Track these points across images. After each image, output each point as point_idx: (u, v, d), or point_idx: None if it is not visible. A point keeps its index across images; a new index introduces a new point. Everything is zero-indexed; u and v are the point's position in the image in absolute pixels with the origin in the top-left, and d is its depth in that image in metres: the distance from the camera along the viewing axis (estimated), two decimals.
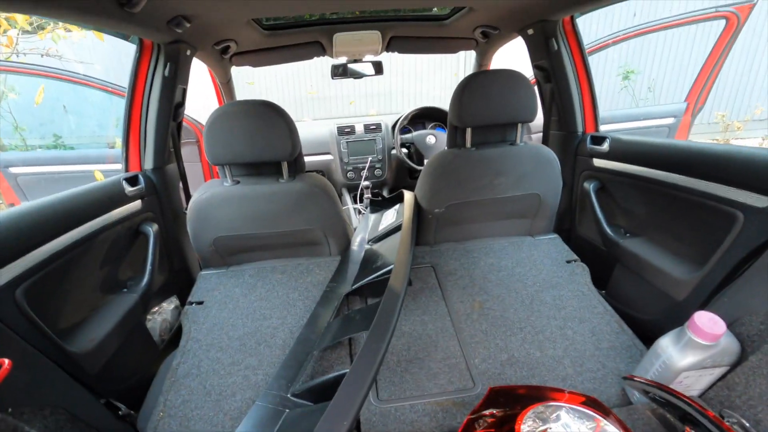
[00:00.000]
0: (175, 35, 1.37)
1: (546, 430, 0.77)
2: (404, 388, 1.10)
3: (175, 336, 1.59)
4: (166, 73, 1.46)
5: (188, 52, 1.54)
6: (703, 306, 1.10)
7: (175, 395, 1.10)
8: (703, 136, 6.67)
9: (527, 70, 1.82)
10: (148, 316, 1.50)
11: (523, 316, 1.32)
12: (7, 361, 0.68)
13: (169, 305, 1.65)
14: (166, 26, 1.25)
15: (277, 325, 1.31)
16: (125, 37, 1.43)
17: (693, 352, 0.87)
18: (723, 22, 2.38)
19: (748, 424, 0.83)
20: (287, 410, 0.98)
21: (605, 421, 0.77)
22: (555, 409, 0.80)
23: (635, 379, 0.94)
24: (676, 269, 1.24)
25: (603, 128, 1.78)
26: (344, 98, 5.26)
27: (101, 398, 1.05)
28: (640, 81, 6.29)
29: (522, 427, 0.77)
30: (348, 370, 0.82)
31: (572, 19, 1.62)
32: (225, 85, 2.36)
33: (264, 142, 1.33)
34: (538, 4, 1.45)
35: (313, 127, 2.80)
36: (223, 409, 1.06)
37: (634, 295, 1.44)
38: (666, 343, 0.92)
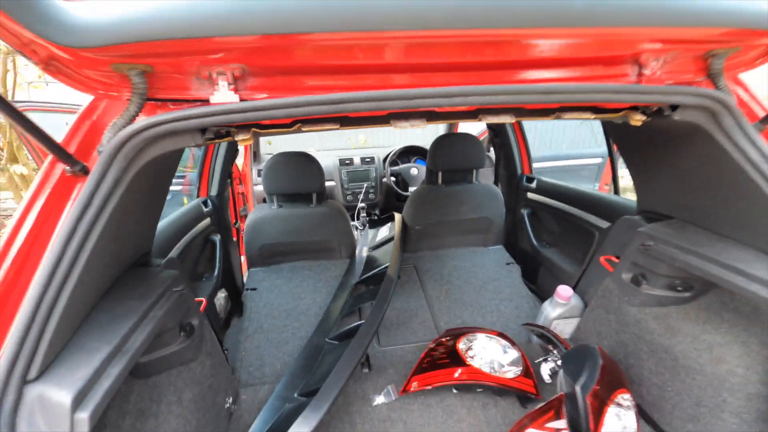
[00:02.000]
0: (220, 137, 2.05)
1: (472, 345, 1.44)
2: (395, 340, 1.75)
3: (227, 316, 2.20)
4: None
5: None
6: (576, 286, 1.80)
7: (250, 343, 1.73)
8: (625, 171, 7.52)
9: None
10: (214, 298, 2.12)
11: (473, 298, 1.99)
12: (204, 299, 1.30)
13: (221, 294, 2.27)
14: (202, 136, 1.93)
15: (310, 303, 1.96)
16: None
17: (557, 308, 1.56)
18: None
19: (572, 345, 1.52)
20: (326, 347, 1.62)
21: (505, 341, 1.45)
22: (477, 335, 1.48)
23: (528, 325, 1.62)
24: (569, 267, 1.94)
25: (549, 164, 2.51)
26: (341, 133, 6.02)
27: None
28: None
29: (459, 344, 1.44)
30: (362, 322, 1.47)
31: None
32: None
33: (302, 180, 2.00)
34: None
35: (319, 158, 3.48)
36: (283, 350, 1.70)
37: (549, 285, 2.13)
38: (545, 304, 1.62)
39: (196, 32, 0.63)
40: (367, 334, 1.41)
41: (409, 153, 3.56)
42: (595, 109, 0.95)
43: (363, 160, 3.40)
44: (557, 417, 1.11)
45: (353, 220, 3.33)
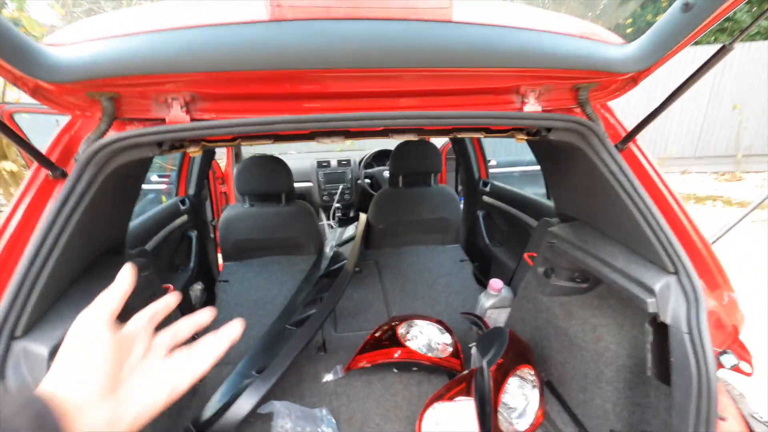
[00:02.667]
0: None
1: (410, 330, 1.64)
2: (351, 326, 1.95)
3: (203, 305, 2.38)
4: None
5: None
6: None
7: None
8: None
9: None
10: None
11: (425, 291, 2.20)
12: (171, 286, 1.49)
13: (198, 286, 2.45)
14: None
15: (276, 294, 2.15)
16: None
17: (490, 299, 1.76)
18: None
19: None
20: (285, 331, 1.81)
21: (440, 327, 1.65)
22: (417, 322, 1.68)
23: (464, 312, 1.83)
24: (512, 263, 2.14)
25: (513, 169, 2.72)
26: None
27: None
28: None
29: (399, 330, 1.64)
30: (315, 311, 1.67)
31: None
32: None
33: (272, 181, 2.19)
34: None
35: (298, 160, 3.67)
36: (247, 335, 1.86)
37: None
38: (481, 295, 1.82)
39: (152, 70, 0.82)
40: (317, 319, 1.60)
41: (383, 156, 3.77)
42: (486, 130, 1.15)
43: (339, 162, 3.60)
44: (468, 390, 1.31)
45: (329, 219, 3.52)
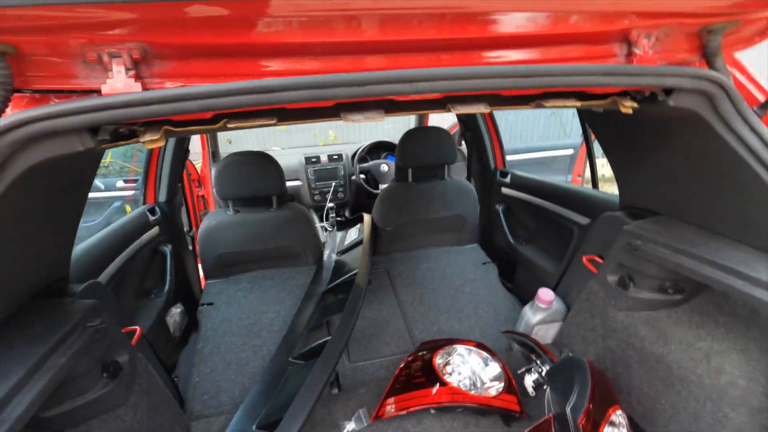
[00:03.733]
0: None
1: (449, 360, 1.32)
2: (367, 353, 1.61)
3: (183, 334, 2.01)
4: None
5: None
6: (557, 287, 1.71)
7: (205, 367, 1.55)
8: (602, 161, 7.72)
9: None
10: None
11: (449, 302, 1.87)
12: (138, 328, 1.12)
13: (176, 309, 2.06)
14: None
15: (274, 317, 1.79)
16: None
17: (539, 313, 1.45)
18: None
19: (571, 354, 1.42)
20: (289, 368, 1.46)
21: (485, 353, 1.33)
22: (455, 349, 1.35)
23: (508, 332, 1.51)
24: (548, 265, 1.84)
25: (522, 156, 2.42)
26: (307, 129, 5.77)
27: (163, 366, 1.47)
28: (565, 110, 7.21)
29: (436, 359, 1.31)
30: (329, 338, 1.32)
31: None
32: None
33: (260, 181, 1.82)
34: None
35: (284, 156, 3.28)
36: (242, 373, 1.52)
37: (527, 284, 2.04)
38: (526, 309, 1.51)
39: None
40: (335, 351, 1.26)
41: (378, 149, 3.41)
42: (581, 95, 0.83)
43: (330, 157, 3.23)
44: None
45: (322, 221, 3.16)
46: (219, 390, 1.46)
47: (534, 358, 1.37)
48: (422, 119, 3.00)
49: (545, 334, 1.52)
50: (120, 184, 3.07)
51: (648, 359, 1.11)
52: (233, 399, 1.43)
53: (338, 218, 3.03)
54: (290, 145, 3.78)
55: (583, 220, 1.60)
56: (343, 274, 1.92)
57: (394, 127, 6.70)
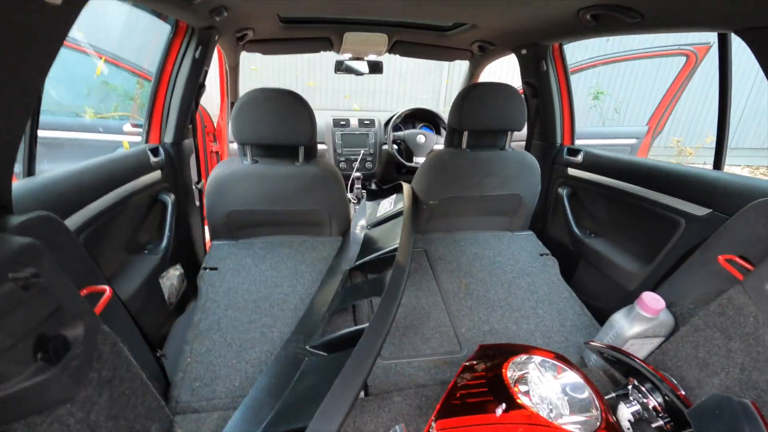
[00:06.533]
0: (211, 22, 1.49)
1: (524, 374, 0.98)
2: (402, 349, 1.28)
3: (180, 301, 1.70)
4: (197, 55, 1.57)
5: (216, 37, 1.65)
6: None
7: (200, 345, 1.24)
8: (659, 157, 7.29)
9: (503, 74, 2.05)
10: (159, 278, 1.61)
11: (501, 297, 1.53)
12: (108, 288, 0.80)
13: (175, 271, 1.75)
14: (209, 14, 1.37)
15: (288, 292, 1.47)
16: (158, 16, 1.53)
17: (639, 323, 1.11)
18: (683, 58, 2.72)
19: (675, 381, 1.07)
20: (306, 358, 1.14)
21: (568, 368, 0.98)
22: (530, 359, 1.01)
23: (594, 343, 1.17)
24: (629, 264, 1.49)
25: (576, 142, 2.04)
26: (335, 91, 5.40)
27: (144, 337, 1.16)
28: (607, 102, 6.77)
29: (507, 372, 0.98)
30: (366, 326, 1.00)
31: (560, 45, 1.85)
32: (233, 69, 2.45)
33: (287, 126, 1.48)
34: (534, 30, 1.66)
35: None
36: (245, 358, 1.21)
37: (594, 285, 1.69)
38: (619, 316, 1.16)
39: None
40: (373, 346, 0.93)
41: (414, 118, 3.04)
42: None
43: (361, 122, 2.87)
44: None
45: (348, 191, 2.82)
46: (214, 377, 1.15)
47: (632, 381, 1.03)
48: (472, 79, 2.61)
49: (638, 350, 1.18)
50: (127, 127, 2.76)
51: None
52: (231, 391, 1.11)
53: (367, 189, 2.68)
54: (315, 107, 3.41)
55: (698, 211, 1.23)
56: (374, 251, 1.59)
57: (429, 98, 6.33)
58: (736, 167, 7.54)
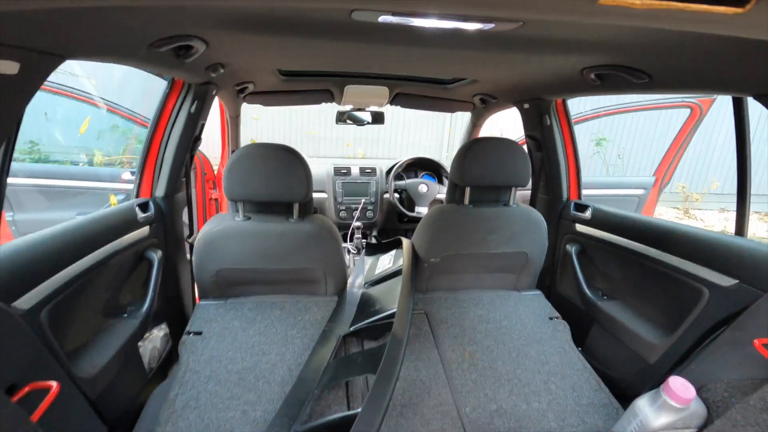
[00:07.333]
0: (207, 78, 1.47)
1: None
2: (403, 429, 1.15)
3: (162, 365, 1.58)
4: (192, 110, 1.55)
5: (213, 92, 1.64)
6: (672, 371, 1.22)
7: (173, 427, 1.11)
8: (665, 204, 7.22)
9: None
10: (139, 342, 1.50)
11: (510, 369, 1.40)
12: (55, 384, 0.70)
13: (159, 332, 1.64)
14: (204, 71, 1.35)
15: (276, 362, 1.35)
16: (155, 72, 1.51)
17: (667, 414, 0.97)
18: (687, 111, 2.70)
19: None
20: None
21: None
22: None
23: None
24: (648, 333, 1.36)
25: (583, 192, 1.96)
26: (338, 140, 5.47)
27: (105, 425, 1.04)
28: (610, 148, 6.81)
29: None
30: (358, 411, 0.88)
31: (564, 99, 1.83)
32: (233, 119, 2.45)
33: (281, 183, 1.42)
34: (536, 86, 1.64)
35: (311, 165, 2.90)
36: None
37: (609, 354, 1.55)
38: (643, 403, 1.03)
39: None
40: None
41: (416, 166, 3.01)
42: None
43: (362, 170, 2.84)
44: None
45: (345, 241, 2.73)
46: None
47: None
48: (474, 130, 2.60)
49: None
50: (126, 176, 2.74)
51: None
52: None
53: (367, 241, 2.60)
54: (317, 155, 3.41)
55: (724, 281, 1.13)
56: (372, 313, 1.48)
57: (430, 146, 6.40)
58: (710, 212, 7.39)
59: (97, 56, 0.87)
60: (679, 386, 0.96)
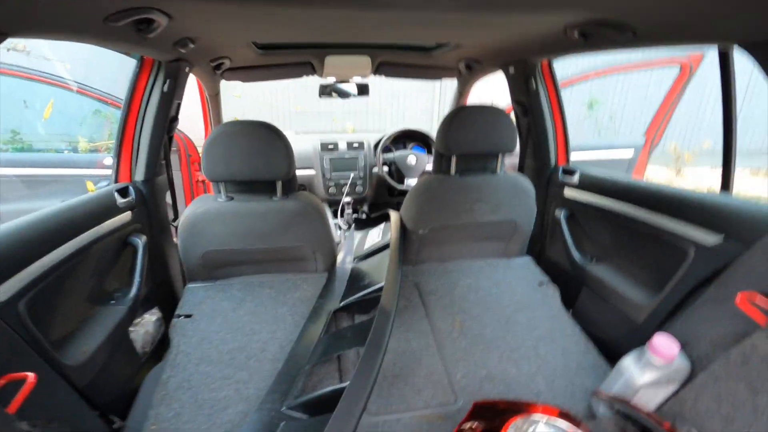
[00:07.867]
0: (177, 54, 1.41)
1: None
2: (391, 402, 1.16)
3: (156, 348, 1.58)
4: (165, 88, 1.49)
5: (186, 69, 1.58)
6: (659, 329, 1.24)
7: (167, 408, 1.12)
8: (657, 164, 7.21)
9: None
10: (130, 328, 1.50)
11: (499, 335, 1.42)
12: (31, 375, 0.70)
13: (151, 317, 1.64)
14: (172, 47, 1.29)
15: (267, 340, 1.35)
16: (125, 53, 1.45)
17: (651, 370, 0.99)
18: (677, 69, 2.64)
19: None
20: (283, 422, 1.02)
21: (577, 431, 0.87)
22: (533, 422, 0.89)
23: (602, 394, 1.05)
24: (636, 294, 1.37)
25: (573, 155, 1.94)
26: (326, 114, 5.36)
27: (95, 410, 1.05)
28: (602, 111, 6.73)
29: None
30: (347, 384, 0.89)
31: (550, 62, 1.77)
32: (213, 98, 2.38)
33: (262, 161, 1.39)
34: (520, 47, 1.58)
35: (297, 141, 2.85)
36: (216, 423, 1.09)
37: (598, 316, 1.57)
38: (629, 362, 1.04)
39: None
40: (355, 407, 0.82)
41: (405, 138, 2.96)
42: None
43: (350, 145, 2.79)
44: None
45: (336, 217, 2.72)
46: None
47: None
48: (461, 98, 2.54)
49: (650, 398, 1.06)
50: (108, 161, 2.68)
51: None
52: None
53: (357, 215, 2.58)
54: (304, 130, 3.34)
55: (709, 239, 1.12)
56: (362, 288, 1.48)
57: (420, 118, 6.29)
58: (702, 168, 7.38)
59: (46, 33, 0.82)
60: (663, 343, 0.97)
